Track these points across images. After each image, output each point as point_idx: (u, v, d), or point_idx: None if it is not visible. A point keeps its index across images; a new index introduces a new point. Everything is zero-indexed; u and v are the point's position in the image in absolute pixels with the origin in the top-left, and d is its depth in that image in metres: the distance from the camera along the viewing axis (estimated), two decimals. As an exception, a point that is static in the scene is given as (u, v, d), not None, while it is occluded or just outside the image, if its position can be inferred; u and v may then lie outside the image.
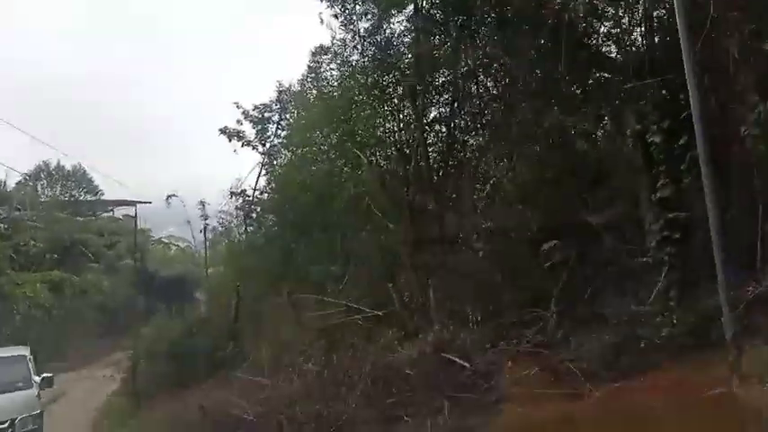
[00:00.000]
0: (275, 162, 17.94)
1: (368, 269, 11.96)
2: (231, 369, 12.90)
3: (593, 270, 7.72)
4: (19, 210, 33.28)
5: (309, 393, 8.72)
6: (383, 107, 12.31)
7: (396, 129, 11.89)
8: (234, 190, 18.81)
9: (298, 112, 15.89)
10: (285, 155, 16.90)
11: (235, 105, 19.61)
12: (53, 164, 43.54)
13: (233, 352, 13.89)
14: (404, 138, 11.35)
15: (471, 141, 11.32)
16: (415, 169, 10.71)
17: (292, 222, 14.43)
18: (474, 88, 11.54)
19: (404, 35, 12.21)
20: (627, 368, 6.58)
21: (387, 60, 12.07)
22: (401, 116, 11.73)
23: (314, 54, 13.78)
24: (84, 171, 43.79)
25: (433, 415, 6.95)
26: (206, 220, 20.56)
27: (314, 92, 14.07)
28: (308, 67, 13.87)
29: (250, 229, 18.43)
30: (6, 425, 9.90)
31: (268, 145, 19.04)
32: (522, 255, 8.40)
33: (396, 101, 12.25)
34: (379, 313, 10.13)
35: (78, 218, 36.64)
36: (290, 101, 17.82)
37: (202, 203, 19.43)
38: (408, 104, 11.93)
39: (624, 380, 6.46)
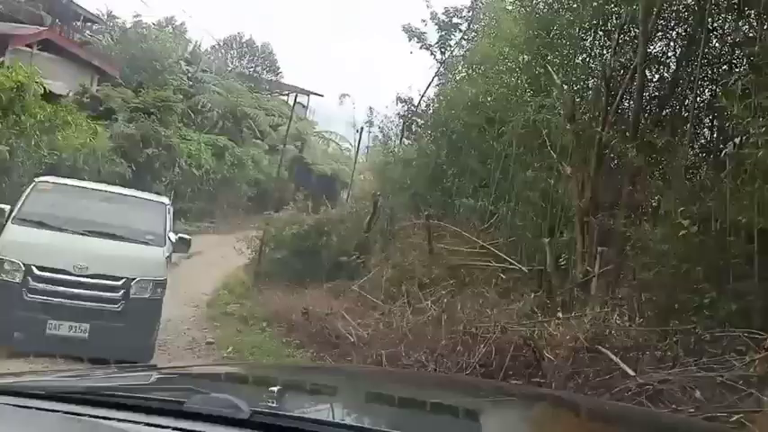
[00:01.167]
0: (451, 74, 16.19)
1: (523, 215, 10.16)
2: (350, 278, 12.06)
3: None
4: (205, 72, 35.00)
5: (419, 336, 7.39)
6: (595, 28, 9.99)
7: (605, 56, 9.58)
8: (401, 96, 17.59)
9: (489, 20, 13.91)
10: (463, 68, 15.10)
11: (424, 2, 18.13)
12: (245, 37, 45.43)
13: (356, 262, 12.99)
14: (614, 69, 9.04)
15: (700, 93, 8.75)
16: (618, 108, 8.50)
17: (450, 143, 12.88)
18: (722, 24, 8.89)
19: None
20: None
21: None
22: (616, 43, 9.37)
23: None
24: (271, 51, 45.37)
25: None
26: (370, 126, 19.72)
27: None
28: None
29: (407, 141, 17.15)
30: (120, 283, 7.72)
31: (448, 54, 17.36)
32: (738, 252, 6.16)
33: (612, 23, 9.87)
34: (525, 269, 8.41)
35: (255, 93, 37.93)
36: (484, 8, 15.78)
37: (370, 109, 18.49)
38: (627, 31, 9.59)
39: None
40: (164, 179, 21.81)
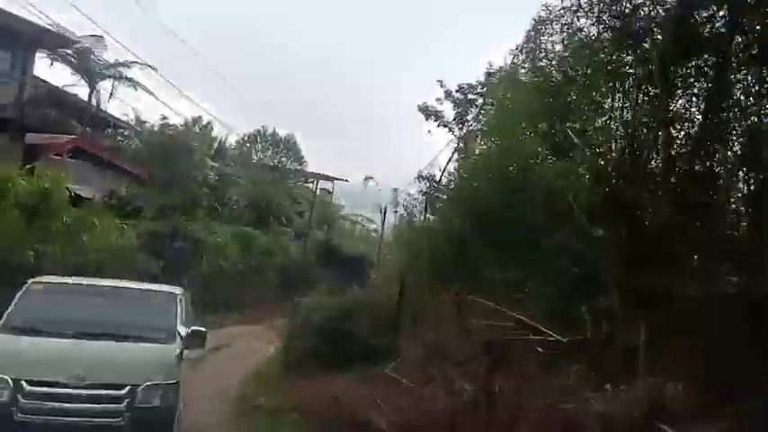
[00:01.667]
0: (470, 148, 16.18)
1: (556, 283, 9.69)
2: (381, 362, 11.56)
3: None
4: (231, 166, 35.94)
5: (456, 421, 6.86)
6: (613, 90, 9.88)
7: (626, 117, 9.40)
8: (422, 173, 17.58)
9: (504, 92, 13.95)
10: (482, 140, 15.07)
11: (438, 83, 18.42)
12: (269, 130, 46.95)
13: (387, 344, 12.51)
14: (636, 128, 8.83)
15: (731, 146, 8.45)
16: (645, 167, 8.20)
17: (474, 215, 12.61)
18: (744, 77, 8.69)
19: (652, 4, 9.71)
20: None
21: (626, 34, 9.63)
22: (636, 102, 9.22)
23: (536, 22, 11.73)
24: (295, 141, 46.71)
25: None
26: (396, 206, 19.70)
27: (528, 65, 12.04)
28: (526, 36, 11.85)
29: (431, 217, 16.96)
30: (123, 392, 6.77)
31: (465, 128, 17.44)
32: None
33: (629, 83, 9.76)
34: (563, 340, 7.88)
35: (280, 183, 38.68)
36: (498, 81, 15.92)
37: (395, 190, 18.51)
38: (645, 91, 9.45)
39: None
40: (192, 272, 21.85)
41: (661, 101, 8.10)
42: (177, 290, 8.53)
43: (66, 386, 6.70)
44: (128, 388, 6.83)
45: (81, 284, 8.73)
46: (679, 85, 9.40)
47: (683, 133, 9.09)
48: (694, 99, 9.31)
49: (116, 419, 6.79)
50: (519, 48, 12.76)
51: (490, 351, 8.32)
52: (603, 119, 10.07)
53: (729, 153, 8.61)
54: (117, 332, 7.30)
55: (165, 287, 9.07)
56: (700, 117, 8.92)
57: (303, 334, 14.93)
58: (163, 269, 18.69)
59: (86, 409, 6.71)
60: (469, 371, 8.21)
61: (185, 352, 7.60)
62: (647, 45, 9.48)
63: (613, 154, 9.40)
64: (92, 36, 25.94)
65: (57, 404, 6.64)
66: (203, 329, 7.89)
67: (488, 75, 17.77)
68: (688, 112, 9.47)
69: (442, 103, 18.38)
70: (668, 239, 7.57)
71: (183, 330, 7.61)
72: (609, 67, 9.80)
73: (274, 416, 11.09)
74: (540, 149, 11.50)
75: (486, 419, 6.33)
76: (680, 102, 9.37)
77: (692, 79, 9.55)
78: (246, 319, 24.93)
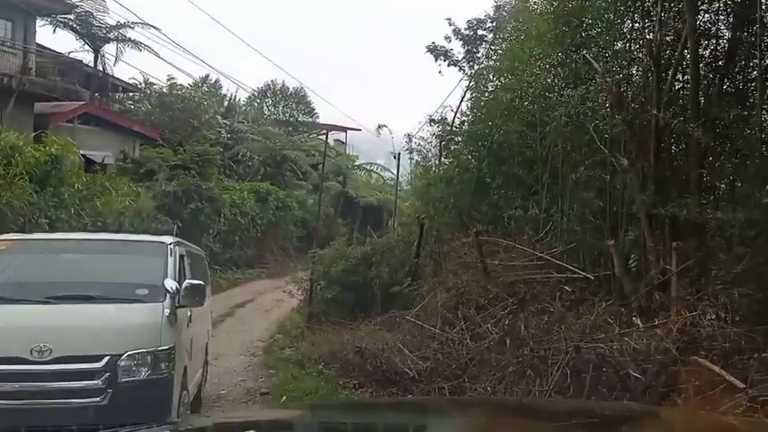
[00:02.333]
0: (483, 86, 15.57)
1: (580, 218, 9.34)
2: (404, 308, 11.45)
3: None
4: (242, 123, 35.58)
5: (482, 364, 6.68)
6: (632, 9, 9.23)
7: (648, 37, 8.80)
8: (434, 116, 17.08)
9: (515, 24, 13.28)
10: (495, 77, 14.45)
11: (447, 21, 17.66)
12: (279, 84, 46.37)
13: (409, 290, 12.37)
14: (660, 46, 8.24)
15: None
16: (670, 89, 7.68)
17: (491, 154, 12.20)
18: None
19: None
20: None
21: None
22: (659, 19, 8.58)
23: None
24: (305, 94, 46.25)
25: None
26: (410, 152, 19.22)
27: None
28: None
29: (446, 161, 16.54)
30: (101, 364, 5.54)
31: (477, 66, 16.78)
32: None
33: (650, 2, 9.11)
34: (591, 276, 7.59)
35: (292, 136, 38.30)
36: (509, 13, 15.20)
37: (408, 136, 17.97)
38: (667, 7, 8.80)
39: None
40: (210, 231, 21.85)
41: (687, 13, 7.48)
42: (167, 239, 6.87)
43: (28, 362, 5.48)
44: (106, 359, 5.54)
45: (51, 240, 7.59)
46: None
47: (709, 51, 8.51)
48: (720, 12, 8.68)
49: (94, 399, 5.50)
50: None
51: (514, 292, 8.10)
52: (623, 41, 9.47)
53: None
54: (92, 293, 6.10)
55: (151, 237, 7.81)
56: (728, 32, 8.29)
57: (325, 284, 14.88)
58: (180, 229, 18.63)
59: (56, 389, 5.49)
60: (494, 313, 7.99)
61: (185, 311, 6.36)
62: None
63: (635, 78, 8.85)
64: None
65: (18, 384, 5.47)
66: (200, 282, 6.64)
67: (497, 8, 17.02)
68: (715, 28, 8.87)
69: (450, 42, 17.69)
70: (699, 164, 7.14)
71: (170, 285, 6.08)
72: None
73: (301, 366, 11.12)
74: (556, 80, 10.98)
75: (514, 362, 6.12)
76: (705, 17, 8.76)
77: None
78: (269, 273, 25.10)
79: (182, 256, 6.95)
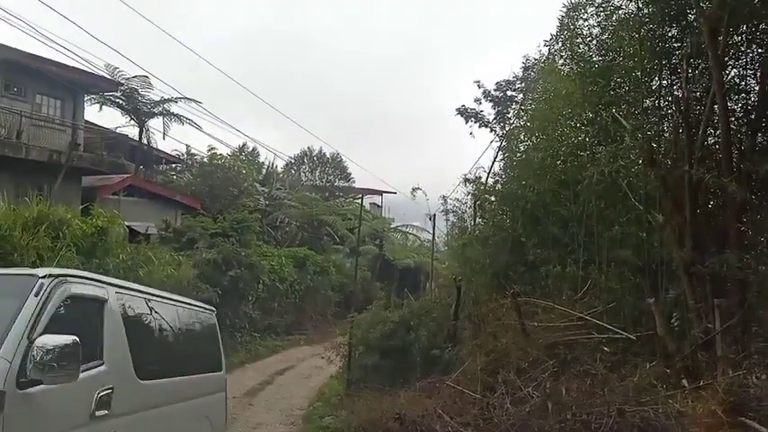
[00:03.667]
0: (514, 146, 15.73)
1: (619, 276, 9.18)
2: (443, 372, 11.26)
3: None
4: (280, 189, 36.45)
5: (524, 428, 6.49)
6: (659, 68, 9.34)
7: (676, 94, 8.86)
8: (468, 176, 17.23)
9: (544, 85, 13.50)
10: (526, 137, 14.62)
11: (476, 84, 18.12)
12: (315, 150, 47.71)
13: (447, 354, 12.20)
14: (688, 105, 8.26)
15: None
16: (702, 144, 7.65)
17: (525, 213, 12.21)
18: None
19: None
20: None
21: (669, 5, 9.11)
22: (686, 75, 8.65)
23: (569, 8, 11.28)
24: (341, 159, 47.32)
25: None
26: (446, 213, 19.36)
27: (565, 54, 11.56)
28: (560, 23, 11.38)
29: (481, 221, 16.56)
30: None
31: (507, 127, 17.02)
32: None
33: (677, 57, 9.21)
34: (633, 336, 7.38)
35: (329, 201, 38.99)
36: (537, 74, 15.47)
37: (443, 197, 18.17)
38: (694, 64, 8.88)
39: None
40: (250, 297, 22.07)
41: (714, 70, 7.53)
42: (42, 272, 4.55)
43: None
44: None
45: None
46: (731, 54, 8.83)
47: (739, 105, 8.50)
48: (748, 67, 8.71)
49: None
50: (554, 37, 12.30)
51: (554, 354, 7.92)
52: (651, 99, 9.53)
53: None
54: None
55: (18, 270, 5.97)
56: (756, 86, 8.30)
57: (363, 350, 14.78)
58: (220, 297, 18.92)
59: None
60: (534, 376, 7.80)
61: (41, 388, 3.98)
62: (692, 16, 8.96)
63: (666, 134, 8.85)
64: (136, 77, 26.91)
65: None
66: (70, 340, 4.01)
67: (525, 68, 17.36)
68: (744, 82, 8.89)
69: (480, 104, 18.07)
70: (737, 218, 7.01)
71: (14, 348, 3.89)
72: (652, 44, 9.29)
73: (340, 435, 10.96)
74: (586, 139, 11.06)
75: (557, 427, 5.93)
76: (733, 72, 8.80)
77: (744, 47, 8.98)
78: (308, 339, 25.04)
79: (98, 306, 4.86)
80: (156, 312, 6.05)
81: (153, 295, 6.36)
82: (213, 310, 8.57)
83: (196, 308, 7.95)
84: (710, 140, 8.32)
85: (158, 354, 6.07)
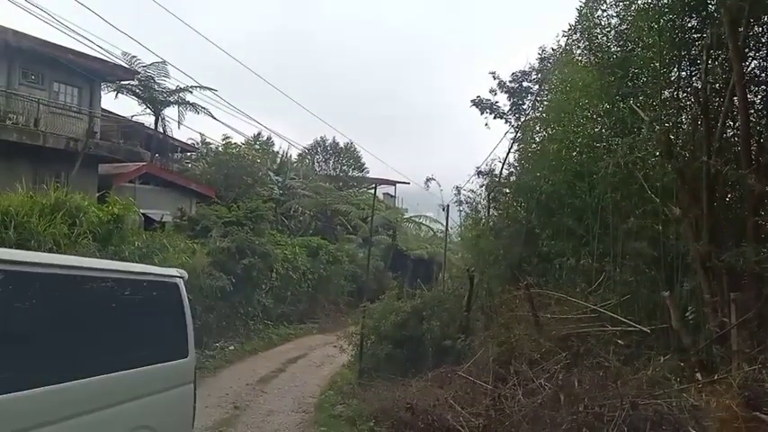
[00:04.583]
0: (530, 137, 15.63)
1: (634, 269, 9.12)
2: (455, 363, 11.28)
3: None
4: (294, 179, 36.52)
5: (536, 422, 6.49)
6: (678, 59, 9.22)
7: (695, 85, 8.74)
8: (481, 168, 17.14)
9: (560, 76, 13.38)
10: (542, 127, 14.52)
11: (491, 75, 17.93)
12: (329, 140, 47.71)
13: (459, 344, 12.20)
14: (708, 94, 8.15)
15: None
16: (721, 137, 7.55)
17: (540, 205, 12.14)
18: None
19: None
20: None
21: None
22: (705, 67, 8.53)
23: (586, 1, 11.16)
24: (355, 149, 47.26)
25: None
26: (459, 204, 19.28)
27: (583, 44, 11.45)
28: (579, 13, 11.26)
29: (495, 212, 16.49)
30: None
31: (523, 118, 16.86)
32: None
33: (697, 48, 9.09)
34: (647, 329, 7.34)
35: (343, 191, 39.02)
36: (552, 65, 15.32)
37: (458, 188, 18.08)
38: (714, 55, 8.76)
39: None
40: (263, 286, 22.18)
41: (734, 61, 7.42)
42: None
43: None
44: None
45: None
46: (751, 45, 8.69)
47: (759, 97, 8.37)
48: (768, 59, 8.57)
49: None
50: (572, 27, 12.17)
51: (567, 346, 7.90)
52: (670, 90, 9.42)
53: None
54: None
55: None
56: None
57: (375, 340, 14.81)
58: (234, 285, 19.04)
59: None
60: (547, 368, 7.80)
61: None
62: (712, 6, 8.83)
63: (684, 126, 8.75)
64: (153, 64, 27.03)
65: None
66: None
67: (542, 60, 17.16)
68: (764, 74, 8.75)
69: (496, 95, 17.88)
70: (754, 211, 6.93)
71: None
72: (672, 34, 9.17)
73: (352, 424, 11.01)
74: (603, 130, 10.96)
75: (569, 419, 5.93)
76: (753, 63, 8.66)
77: (765, 38, 8.83)
78: (320, 328, 25.15)
79: None
80: (46, 292, 4.46)
81: (49, 266, 4.64)
82: (181, 278, 6.53)
83: (147, 277, 6.03)
84: (729, 132, 8.22)
85: (37, 352, 4.40)
